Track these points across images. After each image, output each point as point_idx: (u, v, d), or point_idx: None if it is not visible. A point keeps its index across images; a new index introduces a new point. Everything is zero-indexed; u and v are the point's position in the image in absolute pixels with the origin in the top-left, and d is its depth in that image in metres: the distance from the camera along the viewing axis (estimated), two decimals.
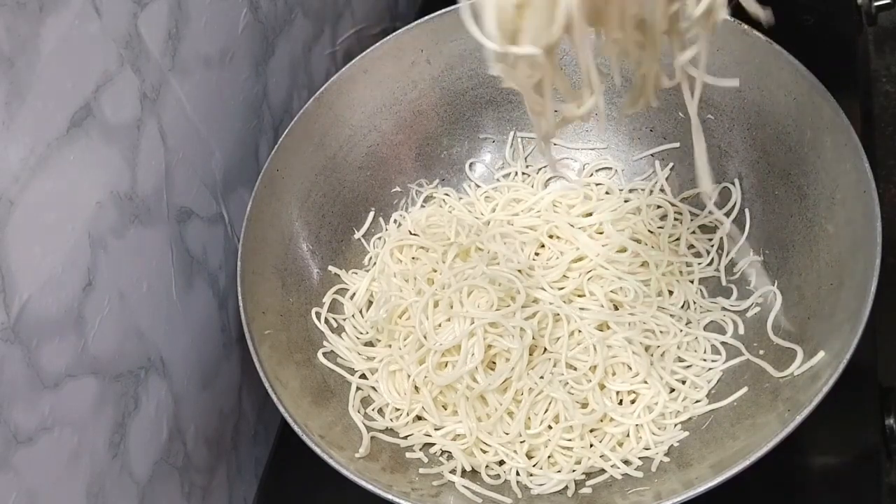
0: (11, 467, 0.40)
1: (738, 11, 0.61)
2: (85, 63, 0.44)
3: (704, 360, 0.58)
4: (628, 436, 0.55)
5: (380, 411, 0.58)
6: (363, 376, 0.60)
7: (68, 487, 0.45)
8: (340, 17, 0.77)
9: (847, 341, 0.48)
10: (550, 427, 0.55)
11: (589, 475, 0.54)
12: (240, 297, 0.56)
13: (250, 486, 0.65)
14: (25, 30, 0.39)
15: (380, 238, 0.67)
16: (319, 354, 0.60)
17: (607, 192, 0.67)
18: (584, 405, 0.56)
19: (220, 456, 0.60)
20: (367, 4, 0.81)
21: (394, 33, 0.67)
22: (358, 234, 0.67)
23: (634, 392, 0.57)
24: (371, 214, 0.67)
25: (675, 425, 0.55)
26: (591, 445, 0.55)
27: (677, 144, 0.66)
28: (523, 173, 0.69)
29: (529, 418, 0.55)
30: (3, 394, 0.39)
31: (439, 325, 0.59)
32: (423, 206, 0.68)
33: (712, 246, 0.63)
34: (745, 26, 0.60)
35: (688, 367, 0.58)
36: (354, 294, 0.64)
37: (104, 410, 0.47)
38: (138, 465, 0.50)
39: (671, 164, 0.67)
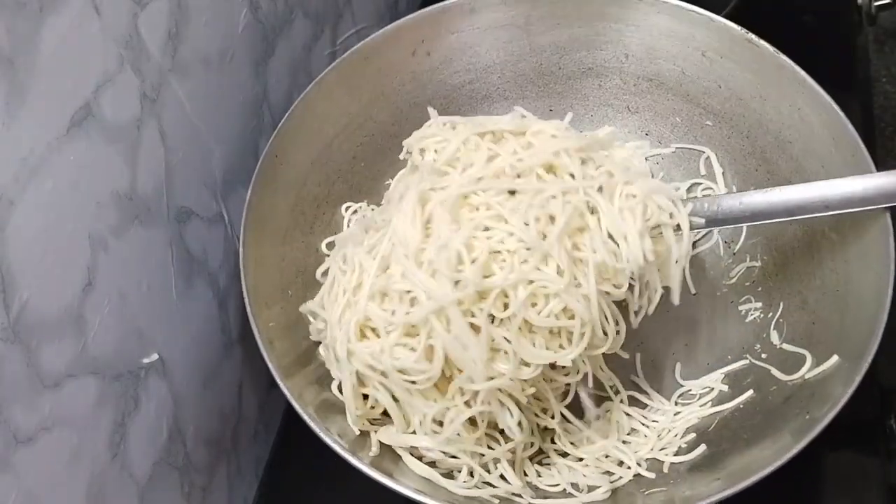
0: (11, 467, 0.40)
1: (744, 20, 0.61)
2: (85, 63, 0.44)
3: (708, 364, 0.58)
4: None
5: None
6: None
7: (68, 487, 0.45)
8: (340, 17, 0.77)
9: (865, 345, 0.48)
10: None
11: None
12: (244, 290, 0.55)
13: (250, 486, 0.65)
14: (25, 30, 0.39)
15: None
16: (321, 346, 0.59)
17: None
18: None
19: (220, 456, 0.60)
20: (367, 4, 0.81)
21: (395, 21, 0.66)
22: (352, 227, 0.65)
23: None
24: (364, 206, 0.67)
25: (683, 430, 0.55)
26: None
27: (672, 149, 0.66)
28: None
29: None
30: (3, 394, 0.39)
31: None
32: None
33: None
34: (752, 36, 0.60)
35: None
36: None
37: (104, 410, 0.47)
38: (138, 466, 0.50)
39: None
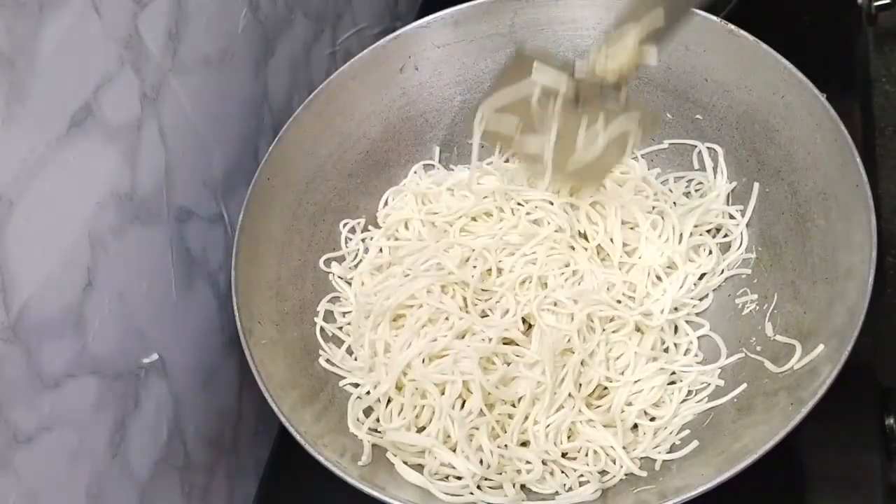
0: (11, 467, 0.40)
1: (744, 21, 0.61)
2: (85, 63, 0.44)
3: (703, 359, 0.58)
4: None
5: (377, 419, 0.58)
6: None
7: (68, 487, 0.45)
8: (340, 17, 0.77)
9: (847, 333, 0.48)
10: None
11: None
12: (235, 309, 0.55)
13: (250, 486, 0.65)
14: (25, 30, 0.40)
15: (371, 248, 0.66)
16: (317, 363, 0.59)
17: None
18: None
19: (220, 456, 0.60)
20: (367, 4, 0.81)
21: (381, 40, 0.66)
22: (349, 244, 0.66)
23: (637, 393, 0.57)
24: (362, 222, 0.67)
25: (679, 427, 0.55)
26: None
27: (665, 145, 0.66)
28: None
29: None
30: (3, 394, 0.39)
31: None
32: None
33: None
34: (732, 26, 0.60)
35: (686, 366, 0.58)
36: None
37: (104, 410, 0.47)
38: (138, 465, 0.50)
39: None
